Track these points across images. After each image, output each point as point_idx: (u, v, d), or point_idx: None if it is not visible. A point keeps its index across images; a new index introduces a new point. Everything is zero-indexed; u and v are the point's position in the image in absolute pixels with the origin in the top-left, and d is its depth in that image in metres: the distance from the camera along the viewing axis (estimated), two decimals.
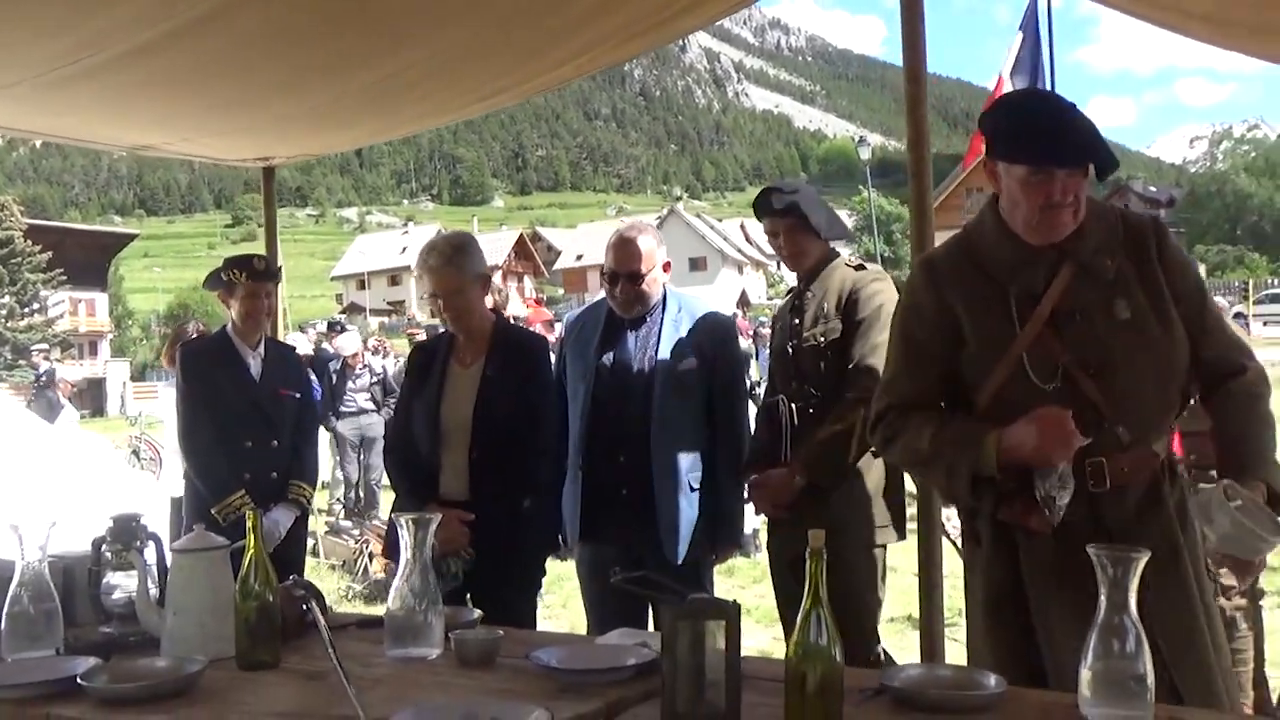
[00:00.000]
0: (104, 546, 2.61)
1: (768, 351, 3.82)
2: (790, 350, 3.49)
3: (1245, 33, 3.22)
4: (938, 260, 2.52)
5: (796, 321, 3.50)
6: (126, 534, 2.59)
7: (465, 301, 3.54)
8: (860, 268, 3.50)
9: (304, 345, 11.99)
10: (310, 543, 9.00)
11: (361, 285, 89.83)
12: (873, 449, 3.03)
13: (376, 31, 3.19)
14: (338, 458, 11.37)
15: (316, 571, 8.30)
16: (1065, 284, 2.34)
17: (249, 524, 2.33)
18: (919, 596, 3.33)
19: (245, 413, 4.23)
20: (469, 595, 3.39)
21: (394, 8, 3.03)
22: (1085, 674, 1.84)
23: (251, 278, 4.20)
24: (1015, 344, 2.33)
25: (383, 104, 3.93)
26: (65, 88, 3.33)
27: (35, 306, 51.32)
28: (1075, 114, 2.32)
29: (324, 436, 11.37)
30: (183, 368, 4.37)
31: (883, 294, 3.38)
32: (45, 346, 22.74)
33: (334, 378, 10.92)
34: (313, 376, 11.16)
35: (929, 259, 2.57)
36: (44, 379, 21.05)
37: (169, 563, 2.51)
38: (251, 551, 2.32)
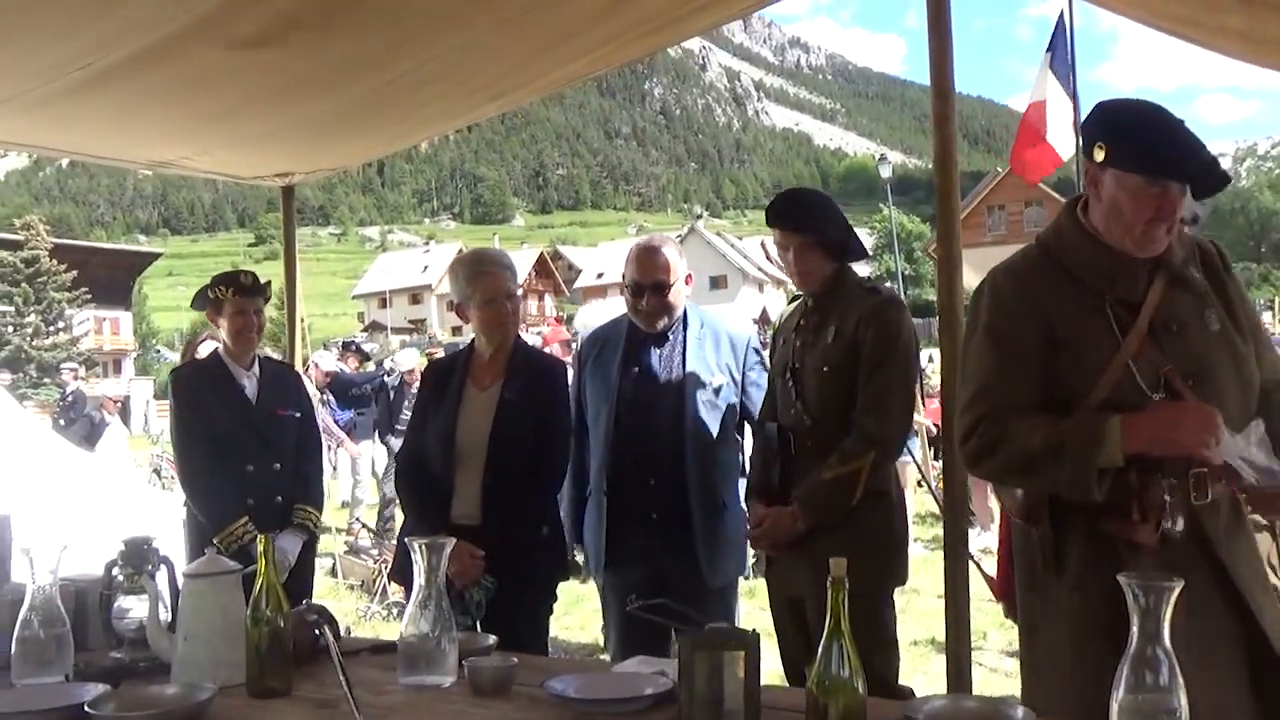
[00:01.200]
0: (115, 570, 2.58)
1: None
2: (792, 372, 3.29)
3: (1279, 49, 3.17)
4: (1023, 269, 2.46)
5: (800, 343, 3.30)
6: (138, 557, 2.56)
7: (518, 309, 3.52)
8: (874, 290, 3.29)
9: (329, 362, 11.86)
10: (329, 563, 9.03)
11: (383, 303, 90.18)
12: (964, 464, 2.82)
13: (380, 32, 3.16)
14: (357, 478, 11.32)
15: (335, 592, 8.28)
16: (1161, 294, 2.34)
17: (260, 548, 2.29)
18: (945, 622, 3.24)
19: (243, 436, 4.07)
20: (478, 623, 3.35)
21: (399, 7, 3.00)
22: (1115, 707, 1.77)
23: (239, 293, 4.04)
24: (1120, 352, 2.30)
25: (394, 108, 3.88)
26: (74, 97, 3.31)
27: (60, 325, 51.72)
28: (1189, 129, 2.31)
29: (352, 456, 11.33)
30: (174, 393, 4.22)
31: (899, 324, 3.18)
32: (75, 365, 22.78)
33: (391, 394, 10.69)
34: (329, 397, 11.28)
35: (1013, 269, 2.48)
36: (70, 397, 21.17)
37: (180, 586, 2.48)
38: (263, 577, 2.28)
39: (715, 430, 3.57)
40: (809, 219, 3.23)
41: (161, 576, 2.57)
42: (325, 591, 8.27)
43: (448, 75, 3.59)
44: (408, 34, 3.21)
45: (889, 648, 3.21)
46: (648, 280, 3.57)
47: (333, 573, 8.81)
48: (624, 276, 3.70)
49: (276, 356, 5.05)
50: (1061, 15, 9.74)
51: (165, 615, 2.49)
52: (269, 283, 4.18)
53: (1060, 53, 10.61)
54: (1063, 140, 10.15)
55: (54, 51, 2.95)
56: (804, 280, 3.30)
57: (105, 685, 2.25)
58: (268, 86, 3.42)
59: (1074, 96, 10.56)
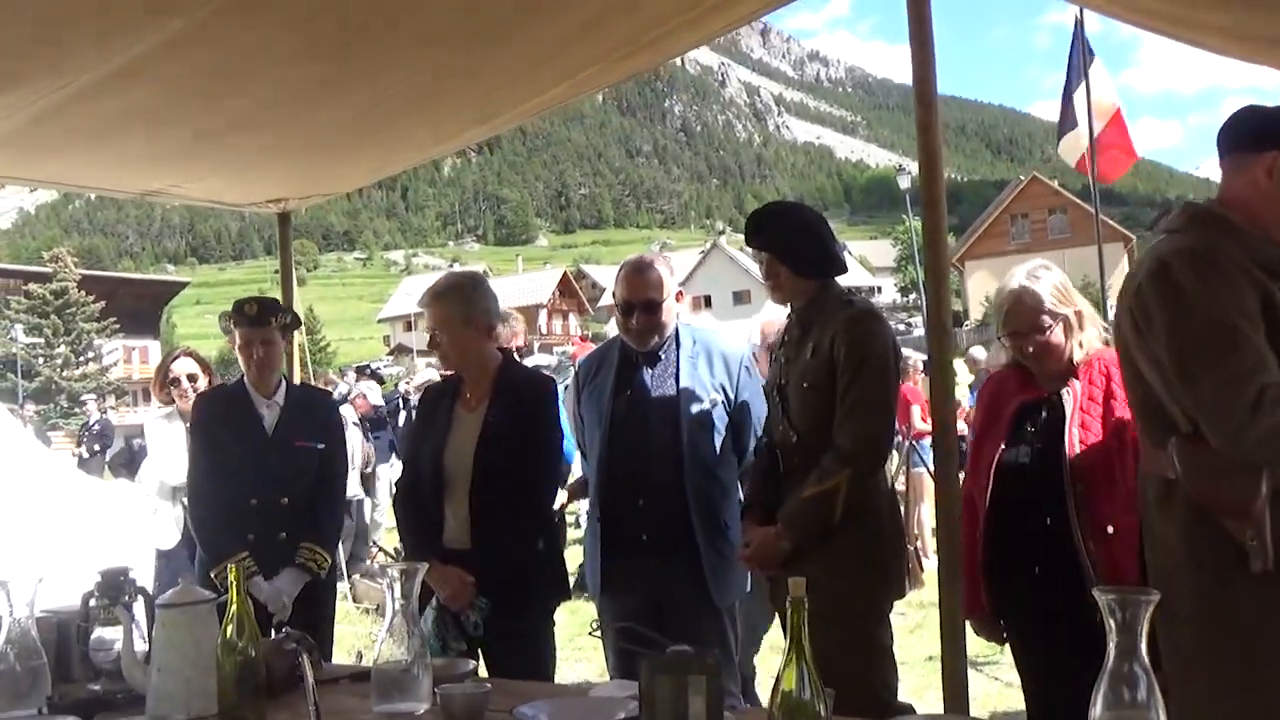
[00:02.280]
0: (92, 601, 2.56)
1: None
2: (778, 389, 3.29)
3: (1265, 45, 3.12)
4: (1220, 252, 2.35)
5: (785, 360, 3.30)
6: (114, 588, 2.55)
7: (458, 338, 3.48)
8: (849, 303, 3.23)
9: (375, 396, 11.69)
10: (345, 587, 9.03)
11: (408, 327, 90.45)
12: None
13: (359, 53, 3.15)
14: (375, 501, 11.32)
15: (349, 617, 8.27)
16: None
17: (230, 577, 2.27)
18: (940, 636, 3.17)
19: (251, 468, 3.86)
20: (479, 645, 3.32)
21: (376, 27, 2.98)
22: None
23: (242, 324, 3.89)
24: None
25: (377, 132, 3.87)
26: (53, 122, 3.31)
27: (90, 355, 52.24)
28: None
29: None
30: (193, 418, 4.14)
31: (872, 336, 3.14)
32: (96, 395, 22.84)
33: (411, 414, 10.75)
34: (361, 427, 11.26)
35: (1211, 254, 2.35)
36: (97, 427, 21.30)
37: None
38: (234, 606, 2.26)
39: (712, 449, 3.54)
40: (770, 234, 3.25)
41: (139, 607, 2.56)
42: (340, 616, 8.25)
43: (428, 99, 3.58)
44: (388, 54, 3.20)
45: (884, 663, 3.16)
46: (638, 299, 3.54)
47: (349, 597, 8.81)
48: (614, 295, 3.68)
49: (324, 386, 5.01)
50: (1079, 24, 9.79)
51: (142, 646, 2.48)
52: (289, 311, 4.05)
53: (1075, 60, 10.61)
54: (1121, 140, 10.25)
55: (25, 77, 2.93)
56: (775, 294, 3.32)
57: (77, 718, 2.23)
58: (241, 113, 3.42)
59: (1087, 101, 10.53)
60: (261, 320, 3.89)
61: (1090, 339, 3.06)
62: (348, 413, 8.76)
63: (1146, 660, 1.72)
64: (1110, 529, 2.83)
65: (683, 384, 3.55)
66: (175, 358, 5.21)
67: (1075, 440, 2.94)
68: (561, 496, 4.12)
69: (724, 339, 3.80)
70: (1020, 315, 3.03)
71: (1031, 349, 3.03)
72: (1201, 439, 2.31)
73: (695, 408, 3.53)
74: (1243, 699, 2.28)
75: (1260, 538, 2.24)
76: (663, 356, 3.61)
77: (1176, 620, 2.33)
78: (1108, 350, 3.00)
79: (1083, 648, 2.70)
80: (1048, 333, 3.00)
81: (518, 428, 3.43)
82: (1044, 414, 3.04)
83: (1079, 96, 10.24)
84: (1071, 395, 2.99)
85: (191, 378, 5.06)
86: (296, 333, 4.29)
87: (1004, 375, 3.25)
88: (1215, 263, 2.32)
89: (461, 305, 3.50)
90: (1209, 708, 2.30)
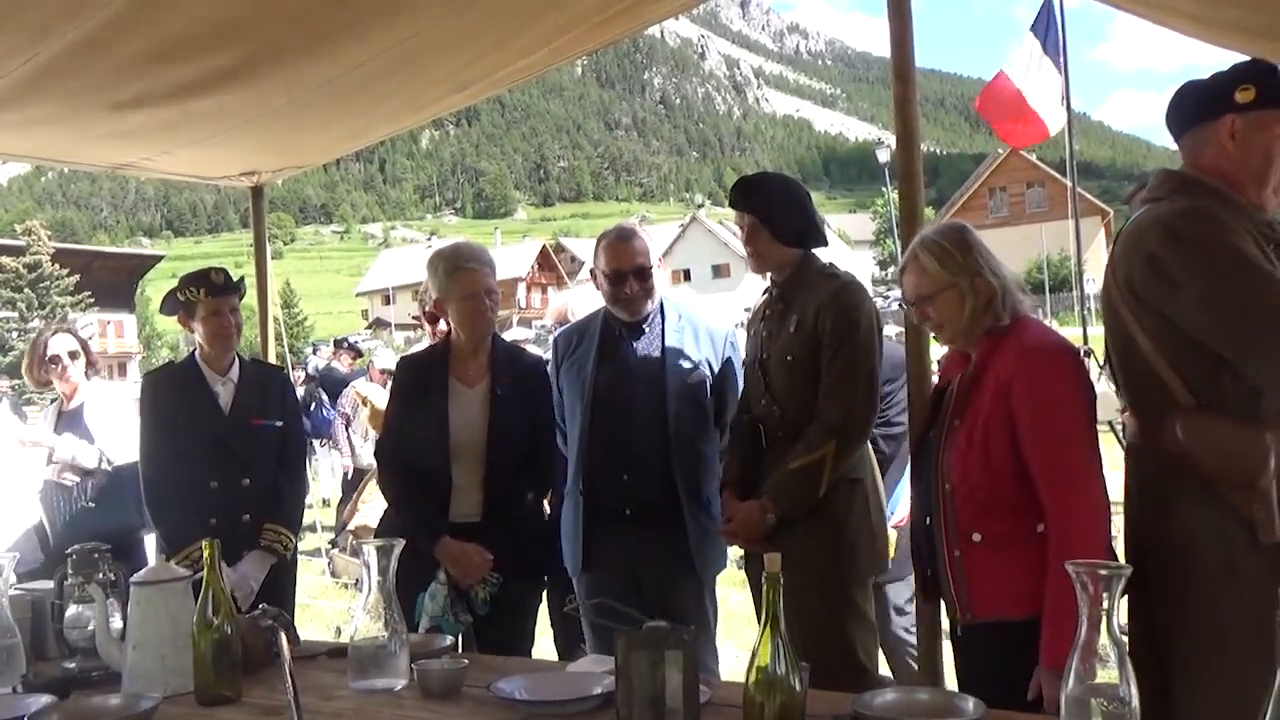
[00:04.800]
0: (66, 579, 2.55)
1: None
2: (760, 363, 3.27)
3: (1234, 31, 3.13)
4: (1216, 210, 2.34)
5: (767, 333, 3.28)
6: (87, 566, 2.53)
7: (495, 307, 3.47)
8: (833, 276, 3.20)
9: (385, 359, 11.58)
10: (325, 562, 9.02)
11: (386, 300, 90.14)
12: None
13: (328, 24, 3.09)
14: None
15: (328, 591, 8.29)
16: None
17: (204, 554, 2.26)
18: (916, 614, 3.20)
19: (209, 450, 3.67)
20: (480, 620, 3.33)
21: None
22: (1063, 699, 1.74)
23: (211, 293, 3.69)
24: None
25: (351, 101, 3.81)
26: (21, 96, 3.25)
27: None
28: None
29: None
30: (141, 399, 3.87)
31: (857, 308, 3.11)
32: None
33: None
34: (322, 395, 11.22)
35: (1210, 211, 2.33)
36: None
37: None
38: (208, 584, 2.26)
39: (697, 424, 3.52)
40: (757, 199, 3.21)
41: (115, 585, 2.55)
42: (319, 591, 8.27)
43: (403, 68, 3.52)
44: (357, 22, 3.14)
45: (867, 636, 3.17)
46: (629, 266, 3.47)
47: (330, 573, 8.82)
48: (598, 267, 3.58)
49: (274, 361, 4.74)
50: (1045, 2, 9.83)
51: (117, 624, 2.47)
52: (242, 279, 3.92)
53: (1053, 34, 10.63)
54: (1051, 115, 10.20)
55: None
56: (756, 263, 3.27)
57: (52, 696, 2.22)
58: (205, 82, 3.35)
59: (1064, 74, 10.56)
60: (230, 288, 3.75)
61: (999, 311, 2.58)
62: (370, 390, 8.58)
63: (1118, 633, 1.74)
64: (976, 536, 2.50)
65: (668, 358, 3.51)
66: (54, 333, 4.75)
67: (953, 433, 2.58)
68: None
69: (709, 314, 3.75)
70: (905, 282, 2.74)
71: (918, 319, 2.77)
72: (1207, 412, 2.29)
73: (681, 381, 3.49)
74: (1252, 675, 2.24)
75: (1267, 510, 2.23)
76: (647, 330, 3.57)
77: (1182, 598, 2.33)
78: (1036, 336, 2.59)
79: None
80: (926, 304, 2.65)
81: (524, 404, 3.45)
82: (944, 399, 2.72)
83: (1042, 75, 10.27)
84: (959, 381, 2.65)
85: (73, 355, 4.63)
86: (273, 306, 4.20)
87: (950, 352, 2.87)
88: (1218, 218, 2.31)
89: (493, 276, 3.51)
90: (1219, 685, 2.26)
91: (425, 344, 4.21)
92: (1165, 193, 2.43)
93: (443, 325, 3.68)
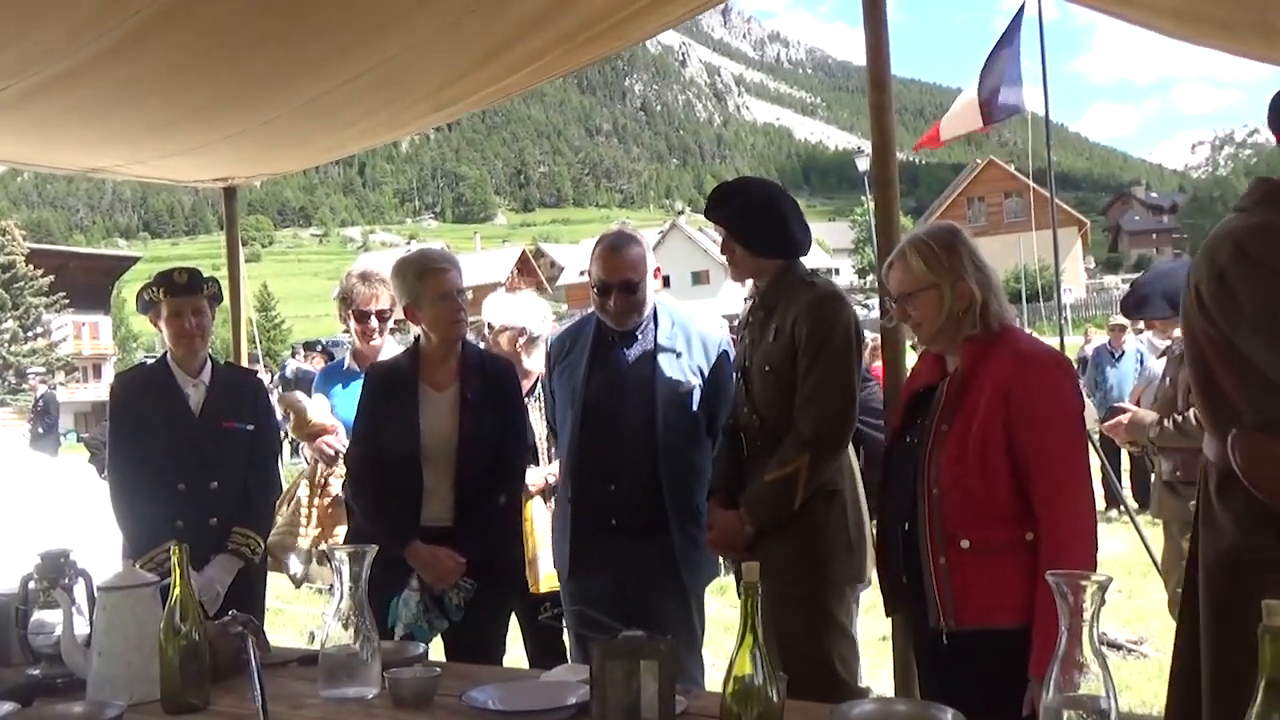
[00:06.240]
0: (31, 583, 2.50)
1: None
2: (742, 372, 3.24)
3: (1215, 29, 3.13)
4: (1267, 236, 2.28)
5: (749, 342, 3.24)
6: (54, 570, 2.48)
7: (467, 306, 3.47)
8: (812, 285, 3.16)
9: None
10: (300, 568, 8.93)
11: None
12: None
13: (317, 40, 3.08)
14: None
15: (301, 597, 8.19)
16: None
17: (173, 559, 2.22)
18: (889, 622, 3.16)
19: (177, 451, 3.62)
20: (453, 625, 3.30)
21: (333, 15, 2.92)
22: (1042, 710, 1.72)
23: (171, 293, 3.62)
24: None
25: (333, 116, 3.79)
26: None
27: (38, 330, 51.34)
28: None
29: None
30: (110, 401, 3.81)
31: (835, 318, 3.07)
32: (42, 370, 22.45)
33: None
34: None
35: (1257, 230, 2.28)
36: (42, 403, 20.99)
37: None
38: (176, 589, 2.22)
39: (687, 432, 3.48)
40: (727, 210, 3.19)
41: (80, 590, 2.50)
42: (294, 596, 8.18)
43: (386, 86, 3.50)
44: (338, 45, 3.12)
45: (845, 648, 3.14)
46: (615, 279, 3.43)
47: (306, 578, 8.71)
48: (589, 274, 3.56)
49: (248, 365, 4.68)
50: (1022, 7, 9.81)
51: (83, 630, 2.42)
52: (212, 279, 3.81)
53: (1014, 47, 10.62)
54: (953, 123, 10.46)
55: None
56: (734, 271, 3.26)
57: (15, 704, 2.18)
58: (195, 102, 3.33)
59: (1045, 87, 10.58)
60: (193, 288, 3.67)
61: (979, 318, 2.57)
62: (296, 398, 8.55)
63: (1097, 643, 1.73)
64: (965, 543, 2.48)
65: (660, 366, 3.47)
66: None
67: (941, 437, 2.55)
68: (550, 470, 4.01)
69: (703, 321, 3.72)
70: (890, 278, 2.71)
71: (900, 316, 2.71)
72: (1263, 432, 2.24)
73: (671, 391, 3.46)
74: None
75: None
76: (639, 336, 3.53)
77: (1231, 611, 2.27)
78: (1029, 343, 2.63)
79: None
80: (907, 302, 2.63)
81: (494, 408, 3.42)
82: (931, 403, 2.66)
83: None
84: (947, 385, 2.61)
85: None
86: (246, 308, 4.13)
87: (923, 354, 2.82)
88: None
89: (461, 278, 3.49)
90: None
91: (347, 349, 4.40)
92: (1249, 203, 2.37)
93: (372, 323, 3.98)
